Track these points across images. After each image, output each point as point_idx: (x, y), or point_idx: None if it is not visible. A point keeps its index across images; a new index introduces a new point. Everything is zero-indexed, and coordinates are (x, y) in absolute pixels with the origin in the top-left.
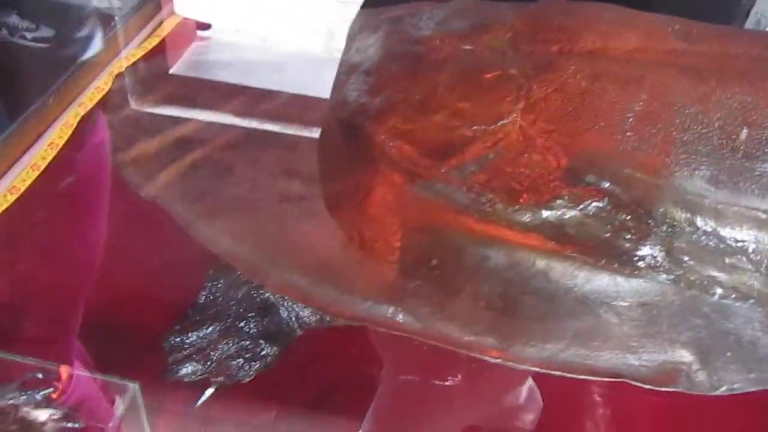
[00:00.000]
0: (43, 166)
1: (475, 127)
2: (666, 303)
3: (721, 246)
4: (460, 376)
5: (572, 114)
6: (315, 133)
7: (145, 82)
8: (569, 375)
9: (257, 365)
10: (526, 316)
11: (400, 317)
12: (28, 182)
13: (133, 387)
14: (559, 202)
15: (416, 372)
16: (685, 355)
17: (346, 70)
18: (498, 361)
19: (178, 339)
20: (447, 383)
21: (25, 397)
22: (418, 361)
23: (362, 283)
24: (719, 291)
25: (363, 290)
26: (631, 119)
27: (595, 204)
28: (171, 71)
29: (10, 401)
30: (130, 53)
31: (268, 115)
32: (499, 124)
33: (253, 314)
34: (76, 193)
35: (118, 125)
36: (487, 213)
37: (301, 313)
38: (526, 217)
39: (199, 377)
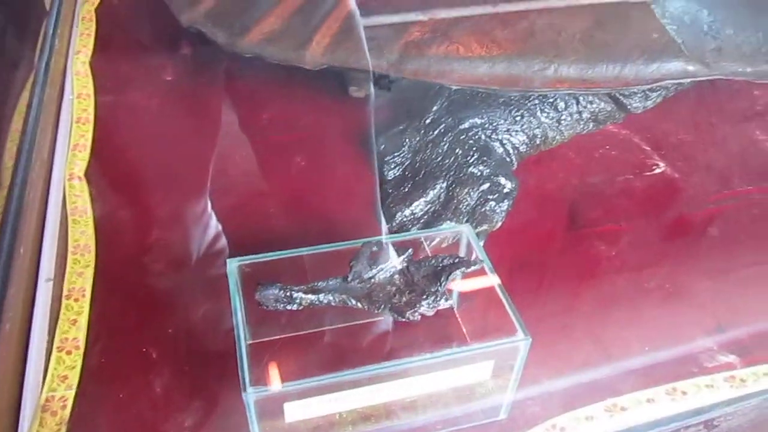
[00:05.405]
0: None
1: None
2: None
3: None
4: None
5: None
6: None
7: None
8: None
9: (505, 204)
10: None
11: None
12: None
13: (466, 227)
14: None
15: None
16: None
17: None
18: None
19: (407, 213)
20: None
21: (386, 270)
22: None
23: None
24: None
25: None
26: None
27: None
28: None
29: (380, 275)
30: None
31: None
32: None
33: (474, 157)
34: None
35: None
36: None
37: (515, 142)
38: None
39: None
